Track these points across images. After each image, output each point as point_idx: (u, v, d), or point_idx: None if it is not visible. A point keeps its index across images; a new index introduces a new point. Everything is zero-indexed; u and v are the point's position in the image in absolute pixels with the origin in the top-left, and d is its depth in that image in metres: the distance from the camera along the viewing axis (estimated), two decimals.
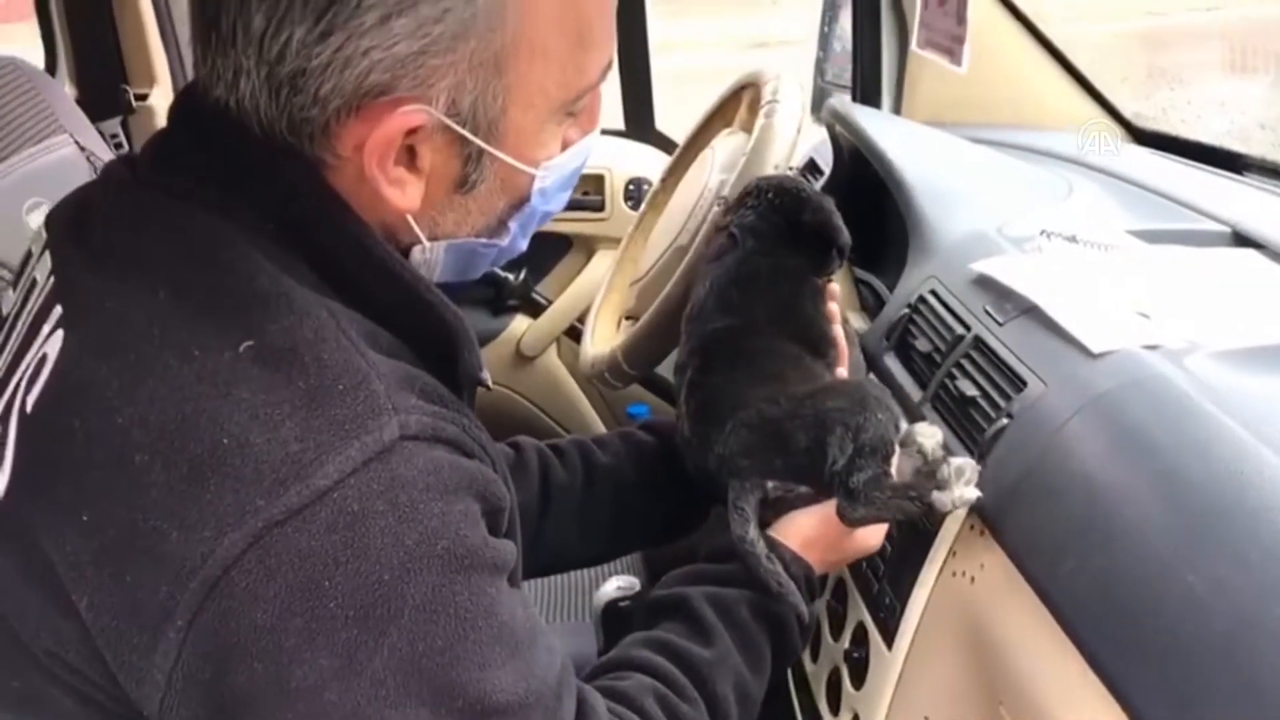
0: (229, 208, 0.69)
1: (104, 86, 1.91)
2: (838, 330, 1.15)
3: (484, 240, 0.79)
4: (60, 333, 0.68)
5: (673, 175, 1.62)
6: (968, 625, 1.03)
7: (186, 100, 0.75)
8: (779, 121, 1.36)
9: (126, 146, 1.96)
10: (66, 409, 0.65)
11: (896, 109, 1.94)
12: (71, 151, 1.56)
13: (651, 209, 1.66)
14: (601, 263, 2.40)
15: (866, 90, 1.94)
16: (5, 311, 0.81)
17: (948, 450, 1.05)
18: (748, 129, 1.47)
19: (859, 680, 1.19)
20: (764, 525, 1.02)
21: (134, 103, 1.94)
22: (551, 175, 0.78)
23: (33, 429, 0.66)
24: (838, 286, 1.18)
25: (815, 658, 1.30)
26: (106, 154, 1.66)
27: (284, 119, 0.68)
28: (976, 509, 1.01)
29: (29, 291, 0.78)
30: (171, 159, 0.74)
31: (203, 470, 0.60)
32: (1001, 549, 0.98)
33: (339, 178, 0.71)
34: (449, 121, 0.69)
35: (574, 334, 2.47)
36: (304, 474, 0.60)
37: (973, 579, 1.02)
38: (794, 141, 1.37)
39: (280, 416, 0.61)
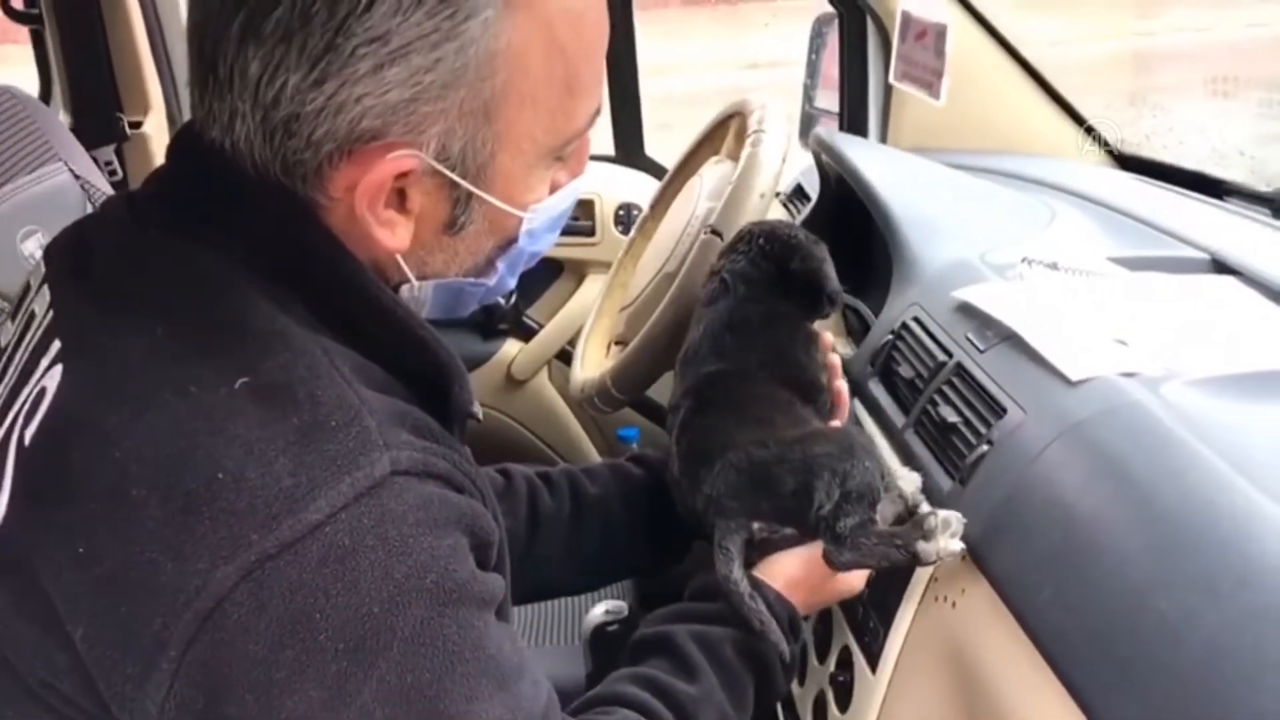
0: (226, 246, 0.71)
1: (99, 114, 1.93)
2: (837, 381, 1.17)
3: (471, 280, 0.81)
4: (59, 367, 0.70)
5: (661, 202, 1.64)
6: (950, 650, 1.04)
7: (184, 139, 0.76)
8: (765, 151, 1.38)
9: (121, 174, 1.97)
10: (64, 443, 0.66)
11: (883, 136, 1.96)
12: (66, 179, 1.57)
13: (641, 235, 1.68)
14: (592, 287, 2.42)
15: (854, 117, 1.96)
16: (4, 343, 0.83)
17: (928, 495, 1.07)
18: (734, 157, 1.49)
19: (844, 704, 1.19)
20: (749, 566, 1.04)
21: (128, 130, 1.96)
22: (540, 217, 0.79)
23: (30, 461, 0.68)
24: (831, 336, 1.20)
25: (802, 681, 1.31)
26: (101, 181, 1.68)
27: (278, 161, 0.69)
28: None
29: (27, 324, 0.79)
30: (169, 197, 0.76)
31: (198, 504, 0.61)
32: (983, 575, 0.99)
33: (331, 217, 0.72)
34: (438, 166, 0.71)
35: (565, 357, 2.49)
36: (296, 508, 0.61)
37: (954, 604, 1.04)
38: (779, 171, 1.39)
39: (274, 452, 0.62)
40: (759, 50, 8.06)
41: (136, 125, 1.98)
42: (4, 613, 0.66)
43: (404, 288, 0.78)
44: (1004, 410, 1.05)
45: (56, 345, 0.72)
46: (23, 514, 0.67)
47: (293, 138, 0.68)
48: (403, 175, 0.70)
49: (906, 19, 1.32)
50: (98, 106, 1.95)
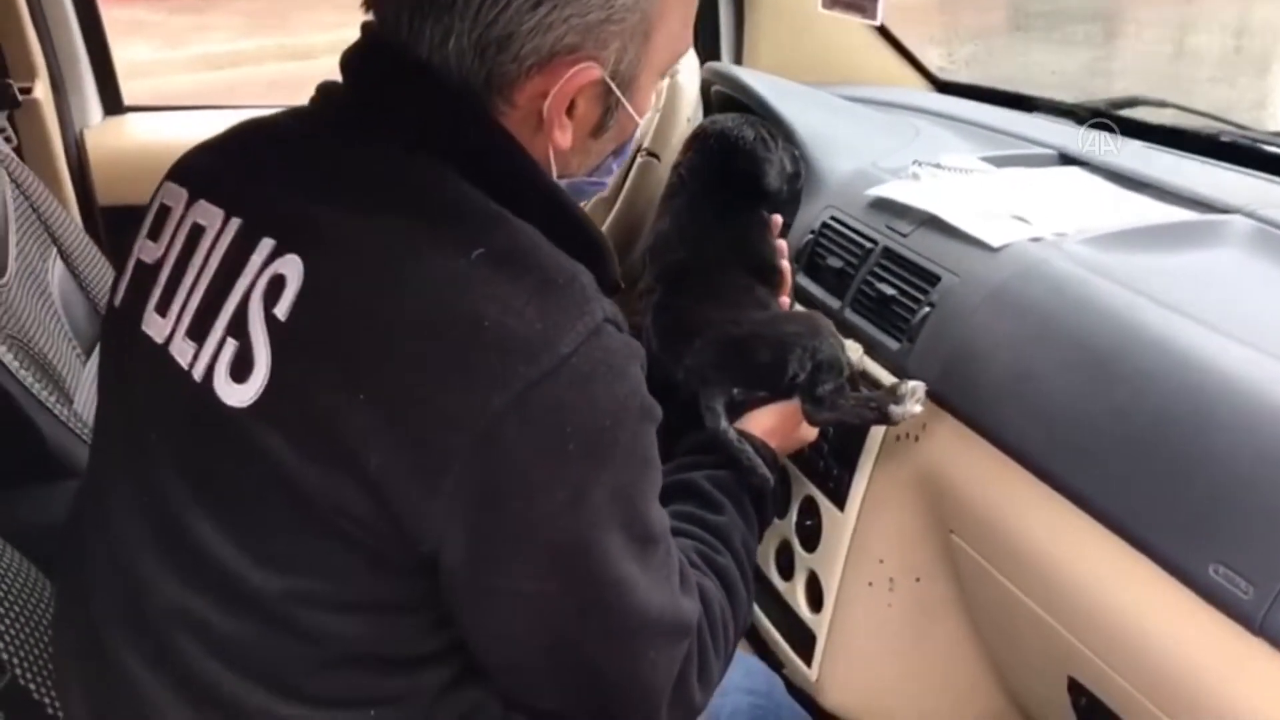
0: (432, 147, 0.83)
1: None
2: (783, 261, 1.36)
3: (591, 179, 0.95)
4: (292, 256, 0.79)
5: None
6: (917, 477, 1.27)
7: (381, 58, 0.86)
8: (683, 79, 1.56)
9: (15, 140, 1.93)
10: (329, 312, 0.77)
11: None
12: None
13: None
14: None
15: (708, 52, 2.16)
16: (146, 259, 0.90)
17: (876, 355, 1.30)
18: None
19: (811, 544, 1.41)
20: (731, 422, 1.23)
21: (19, 96, 1.92)
22: (642, 124, 0.95)
23: (293, 331, 0.78)
24: (780, 218, 1.38)
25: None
26: (3, 146, 1.67)
27: (483, 73, 0.82)
28: (916, 379, 1.25)
29: (193, 235, 0.87)
30: (372, 109, 0.86)
31: (470, 346, 0.74)
32: (945, 410, 1.22)
33: (508, 122, 0.85)
34: (609, 79, 0.85)
35: None
36: (551, 345, 0.75)
37: (916, 438, 1.26)
38: (696, 97, 1.58)
39: (521, 303, 0.75)
40: None
41: (26, 91, 1.95)
42: (287, 456, 0.76)
43: None
44: (938, 278, 1.28)
45: (269, 242, 0.81)
46: (293, 374, 0.77)
47: (503, 52, 0.81)
48: (584, 86, 0.84)
49: None
50: None
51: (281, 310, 0.78)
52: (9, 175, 1.63)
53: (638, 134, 1.59)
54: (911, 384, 1.21)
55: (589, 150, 0.92)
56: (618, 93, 0.87)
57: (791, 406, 1.21)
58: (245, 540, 0.79)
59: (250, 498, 0.79)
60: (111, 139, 2.21)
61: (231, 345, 0.80)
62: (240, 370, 0.79)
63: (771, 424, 1.21)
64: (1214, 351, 1.00)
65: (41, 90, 2.00)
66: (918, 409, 1.20)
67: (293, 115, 0.93)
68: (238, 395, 0.78)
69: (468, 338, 0.74)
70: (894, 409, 1.20)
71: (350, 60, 0.88)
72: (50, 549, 1.05)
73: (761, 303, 1.32)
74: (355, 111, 0.87)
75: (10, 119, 1.94)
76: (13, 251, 1.55)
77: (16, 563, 1.08)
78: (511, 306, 0.75)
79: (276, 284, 0.79)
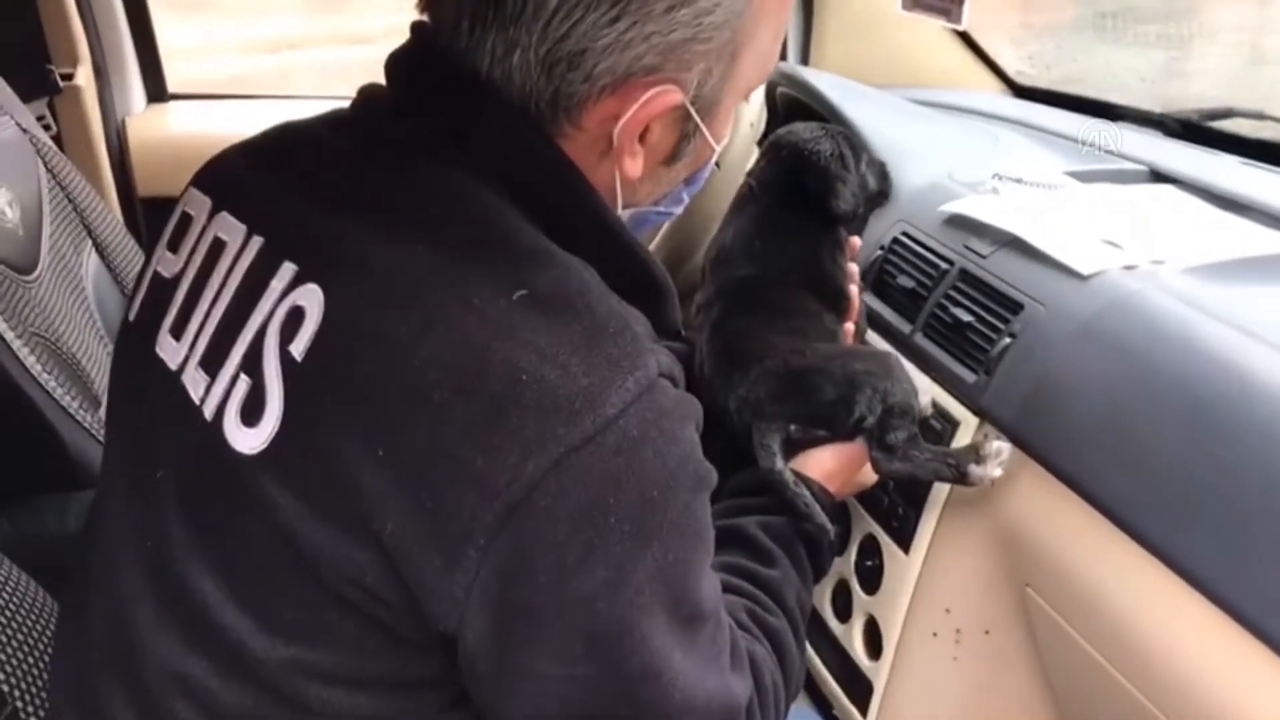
0: (483, 169, 0.74)
1: (30, 67, 1.84)
2: (852, 286, 1.26)
3: (659, 208, 0.85)
4: (312, 286, 0.71)
5: None
6: (990, 522, 1.17)
7: (436, 66, 0.77)
8: None
9: (54, 128, 1.89)
10: (351, 354, 0.68)
11: None
12: (14, 133, 1.51)
13: None
14: None
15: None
16: (165, 272, 0.83)
17: (951, 388, 1.19)
18: None
19: (872, 587, 1.31)
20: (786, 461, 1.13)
21: (60, 83, 1.87)
22: (719, 150, 0.85)
23: (310, 374, 0.69)
24: (858, 241, 1.28)
25: None
26: (41, 133, 1.61)
27: (549, 91, 0.72)
28: (991, 417, 1.15)
29: (213, 251, 0.79)
30: (423, 121, 0.77)
31: (504, 404, 0.65)
32: (1026, 453, 1.12)
33: (571, 146, 0.76)
34: (689, 105, 0.75)
35: None
36: (595, 404, 0.65)
37: (992, 482, 1.16)
38: (762, 102, 1.48)
39: (565, 355, 0.66)
40: None
41: (68, 78, 1.90)
42: (295, 514, 0.68)
43: None
44: (1020, 306, 1.18)
45: (290, 267, 0.73)
46: (306, 423, 0.69)
47: (574, 70, 0.71)
48: (662, 111, 0.74)
49: None
50: (29, 60, 1.86)
51: (298, 348, 0.69)
52: (45, 165, 1.57)
53: None
54: (996, 444, 1.11)
55: (660, 178, 0.82)
56: (697, 119, 0.77)
57: (855, 449, 1.12)
58: (249, 603, 0.71)
59: (256, 556, 0.71)
60: (154, 128, 2.16)
61: (244, 383, 0.72)
62: (251, 413, 0.71)
63: (832, 467, 1.12)
64: None
65: (84, 76, 1.96)
66: (999, 473, 1.11)
67: (329, 122, 0.84)
68: (248, 440, 0.70)
69: (502, 392, 0.65)
70: (974, 469, 1.11)
71: (397, 65, 0.79)
72: (65, 562, 0.99)
73: (829, 332, 1.22)
74: (398, 124, 0.78)
75: (50, 105, 1.89)
76: (45, 245, 1.49)
77: (23, 586, 1.02)
78: (553, 357, 0.66)
79: (295, 317, 0.70)
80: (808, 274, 1.24)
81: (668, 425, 0.68)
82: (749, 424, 1.13)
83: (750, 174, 1.30)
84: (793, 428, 1.13)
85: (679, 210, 0.89)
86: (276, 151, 0.84)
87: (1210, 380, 0.98)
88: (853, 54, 2.03)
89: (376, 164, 0.77)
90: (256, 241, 0.76)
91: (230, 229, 0.78)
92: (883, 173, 1.36)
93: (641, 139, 0.76)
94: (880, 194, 1.36)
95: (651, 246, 1.51)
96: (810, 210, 1.25)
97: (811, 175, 1.26)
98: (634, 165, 0.77)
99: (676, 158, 0.80)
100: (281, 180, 0.80)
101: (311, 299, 0.70)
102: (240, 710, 0.72)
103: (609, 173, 0.78)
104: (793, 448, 1.13)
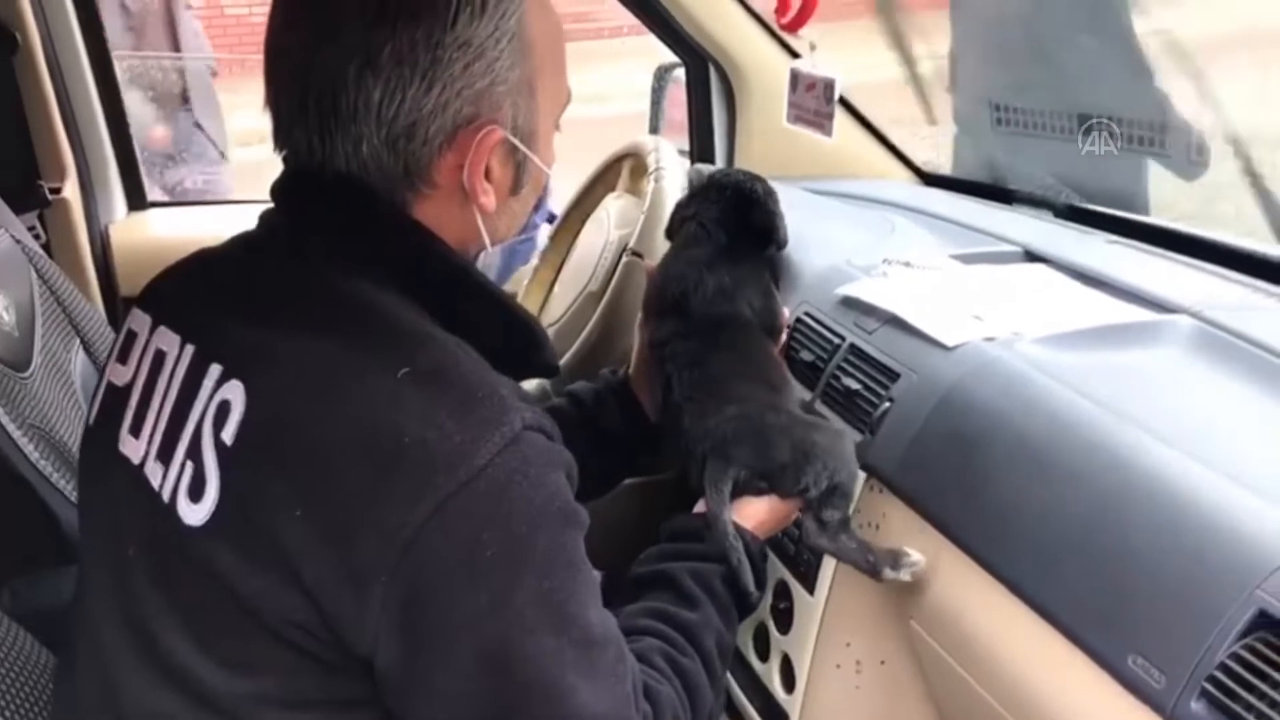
0: (366, 266, 0.91)
1: (22, 183, 2.01)
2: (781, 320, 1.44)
3: (521, 237, 1.04)
4: (234, 383, 0.87)
5: (565, 231, 1.89)
6: None
7: (300, 180, 0.95)
8: (668, 184, 1.65)
9: (44, 237, 2.05)
10: (271, 435, 0.85)
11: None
12: (9, 244, 1.67)
13: (545, 265, 1.92)
14: None
15: (703, 152, 2.26)
16: (117, 381, 0.99)
17: None
18: (634, 192, 1.76)
19: (785, 626, 1.47)
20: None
21: (49, 196, 2.04)
22: (552, 174, 1.04)
23: (239, 454, 0.86)
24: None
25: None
26: (33, 244, 1.78)
27: (400, 164, 0.90)
28: (875, 471, 1.32)
29: (157, 361, 0.96)
30: (301, 232, 0.94)
31: (394, 462, 0.81)
32: (899, 499, 1.29)
33: (434, 204, 0.94)
34: (511, 137, 0.94)
35: None
36: (467, 457, 0.81)
37: (877, 526, 1.33)
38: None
39: (442, 419, 0.82)
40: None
41: (56, 191, 2.08)
42: (237, 570, 0.84)
43: (481, 256, 1.00)
44: (897, 375, 1.36)
45: (216, 368, 0.89)
46: (238, 495, 0.85)
47: (412, 140, 0.90)
48: (493, 147, 0.92)
49: (795, 74, 1.62)
50: (21, 176, 2.03)
51: (228, 435, 0.86)
52: (36, 271, 1.73)
53: (622, 235, 1.69)
54: (915, 556, 1.22)
55: (513, 210, 1.00)
56: (522, 148, 0.95)
57: (788, 507, 1.24)
58: (207, 646, 0.87)
59: (211, 608, 0.86)
60: (135, 234, 2.34)
61: (190, 468, 0.88)
62: (196, 491, 0.87)
63: (765, 518, 1.24)
64: (1140, 452, 1.07)
65: (70, 189, 2.13)
66: (907, 579, 1.22)
67: (241, 243, 1.01)
68: (195, 515, 0.86)
69: (392, 454, 0.81)
70: (887, 572, 1.22)
71: (278, 190, 0.97)
72: (61, 627, 1.13)
73: (794, 395, 1.37)
74: (287, 237, 0.95)
75: (40, 217, 2.06)
76: (38, 344, 1.65)
77: (27, 648, 1.16)
78: (432, 421, 0.82)
79: (223, 410, 0.87)
80: (763, 311, 1.40)
81: (533, 471, 0.84)
82: (705, 457, 1.24)
83: (694, 215, 1.45)
84: (744, 474, 1.24)
85: (539, 234, 1.07)
86: (200, 271, 1.02)
87: (1044, 434, 1.16)
88: (777, 150, 2.21)
89: (276, 274, 0.95)
90: (189, 349, 0.93)
91: (168, 340, 0.95)
92: None
93: (487, 177, 0.94)
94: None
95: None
96: (755, 245, 1.41)
97: (757, 212, 1.44)
98: (489, 200, 0.95)
99: (519, 185, 0.98)
100: (205, 295, 0.98)
101: (235, 393, 0.87)
102: None
103: (473, 215, 0.96)
104: (736, 491, 1.24)
